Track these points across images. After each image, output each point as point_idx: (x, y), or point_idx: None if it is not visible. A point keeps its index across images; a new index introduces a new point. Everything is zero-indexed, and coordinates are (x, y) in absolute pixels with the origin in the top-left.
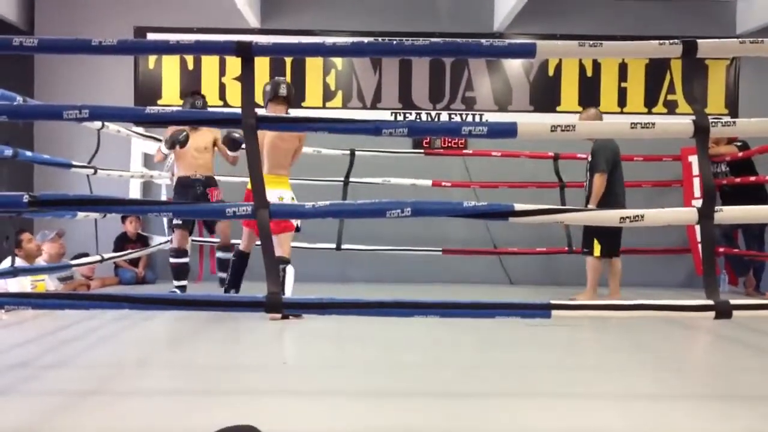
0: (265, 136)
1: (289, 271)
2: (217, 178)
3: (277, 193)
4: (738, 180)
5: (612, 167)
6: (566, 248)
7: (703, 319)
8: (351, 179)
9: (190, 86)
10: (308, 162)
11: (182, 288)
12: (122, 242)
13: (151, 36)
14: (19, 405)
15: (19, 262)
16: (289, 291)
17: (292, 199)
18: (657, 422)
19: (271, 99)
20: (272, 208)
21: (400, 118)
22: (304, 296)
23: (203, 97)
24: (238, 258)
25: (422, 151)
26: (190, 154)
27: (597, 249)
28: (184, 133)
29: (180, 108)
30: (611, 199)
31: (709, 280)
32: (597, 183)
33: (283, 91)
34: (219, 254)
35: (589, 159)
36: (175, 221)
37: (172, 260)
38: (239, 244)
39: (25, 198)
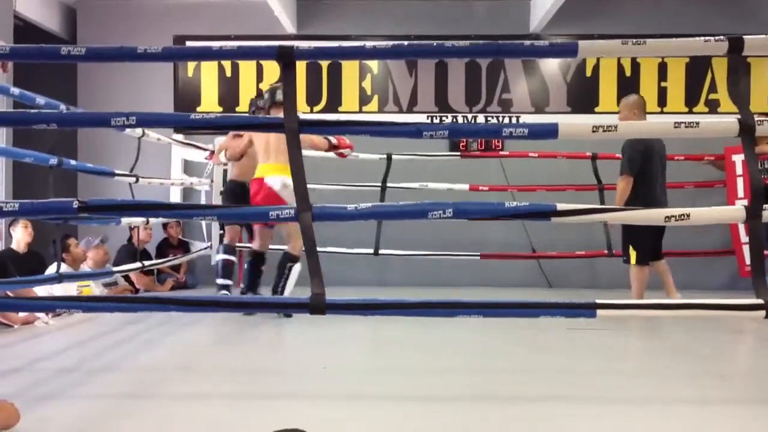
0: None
1: (295, 270)
2: None
3: (281, 179)
4: None
5: (644, 166)
6: (606, 251)
7: (747, 323)
8: (388, 184)
9: (229, 92)
10: (346, 167)
11: (226, 287)
12: (164, 248)
13: (190, 44)
14: (69, 409)
15: (66, 267)
16: (288, 291)
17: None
18: (702, 428)
19: (272, 105)
20: (315, 210)
21: (436, 121)
22: (348, 297)
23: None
24: (253, 258)
25: (459, 154)
26: (255, 159)
27: (633, 257)
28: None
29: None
30: (646, 201)
31: (758, 278)
32: (620, 186)
33: (281, 96)
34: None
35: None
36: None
37: (223, 256)
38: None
39: (75, 204)
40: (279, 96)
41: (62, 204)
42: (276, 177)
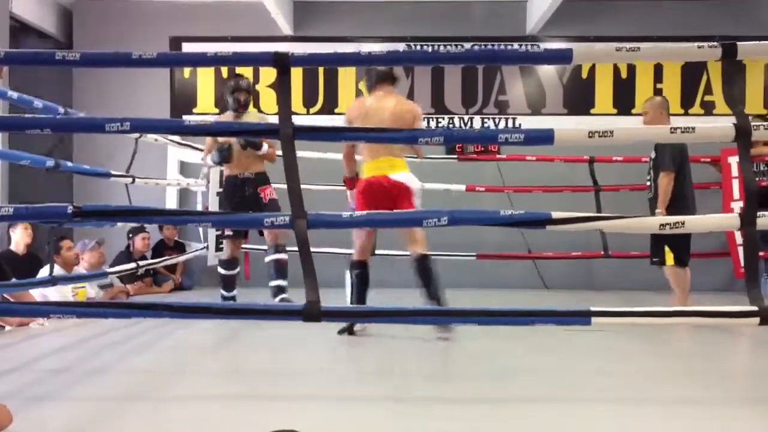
0: (382, 114)
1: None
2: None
3: (404, 176)
4: None
5: (681, 165)
6: (602, 252)
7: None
8: None
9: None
10: (336, 168)
11: (232, 299)
12: (160, 249)
13: (186, 45)
14: (63, 410)
15: (58, 270)
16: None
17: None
18: (701, 429)
19: (377, 83)
20: (310, 217)
21: (432, 123)
22: (342, 305)
23: (245, 78)
24: (356, 268)
25: (455, 156)
26: (242, 151)
27: (669, 257)
28: (227, 147)
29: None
30: (680, 201)
31: (753, 285)
32: (663, 182)
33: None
34: (270, 257)
35: (653, 156)
36: (227, 232)
37: (221, 271)
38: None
39: (69, 209)
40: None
41: (57, 209)
42: (402, 173)
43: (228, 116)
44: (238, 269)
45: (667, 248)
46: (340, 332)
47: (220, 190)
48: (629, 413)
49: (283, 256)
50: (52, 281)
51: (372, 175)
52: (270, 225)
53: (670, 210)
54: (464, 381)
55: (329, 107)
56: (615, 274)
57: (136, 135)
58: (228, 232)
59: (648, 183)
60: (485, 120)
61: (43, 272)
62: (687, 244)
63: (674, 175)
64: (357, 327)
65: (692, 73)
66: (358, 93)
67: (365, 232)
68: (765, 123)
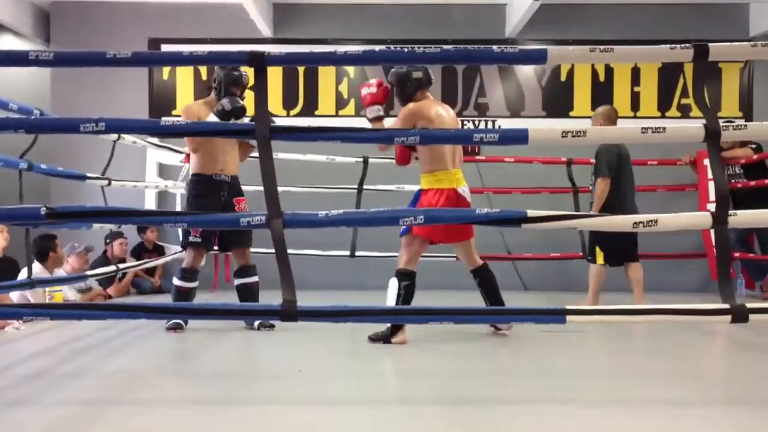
0: (444, 123)
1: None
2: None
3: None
4: (753, 183)
5: (618, 171)
6: (581, 253)
7: (720, 324)
8: (365, 187)
9: (204, 96)
10: (321, 170)
11: (178, 326)
12: (139, 252)
13: (165, 47)
14: (38, 415)
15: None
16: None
17: None
18: (675, 429)
19: (416, 91)
20: (286, 217)
21: None
22: (319, 304)
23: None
24: (404, 278)
25: None
26: (220, 148)
27: (600, 256)
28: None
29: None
30: (617, 206)
31: (725, 283)
32: (600, 188)
33: (419, 74)
34: (239, 281)
35: (595, 162)
36: (192, 238)
37: (177, 282)
38: (407, 267)
39: (43, 210)
40: (419, 73)
41: (30, 210)
42: (466, 187)
43: (210, 101)
44: (197, 283)
45: (598, 248)
46: (372, 341)
47: (184, 192)
48: (601, 413)
49: (253, 279)
50: (30, 284)
51: (442, 187)
52: (246, 225)
53: (606, 212)
54: (441, 381)
55: (309, 109)
56: None
57: (114, 137)
58: (193, 238)
59: (591, 187)
60: (465, 122)
61: (23, 274)
62: (617, 246)
63: (610, 180)
64: (396, 339)
65: (669, 76)
66: (339, 95)
67: (419, 240)
68: (734, 123)
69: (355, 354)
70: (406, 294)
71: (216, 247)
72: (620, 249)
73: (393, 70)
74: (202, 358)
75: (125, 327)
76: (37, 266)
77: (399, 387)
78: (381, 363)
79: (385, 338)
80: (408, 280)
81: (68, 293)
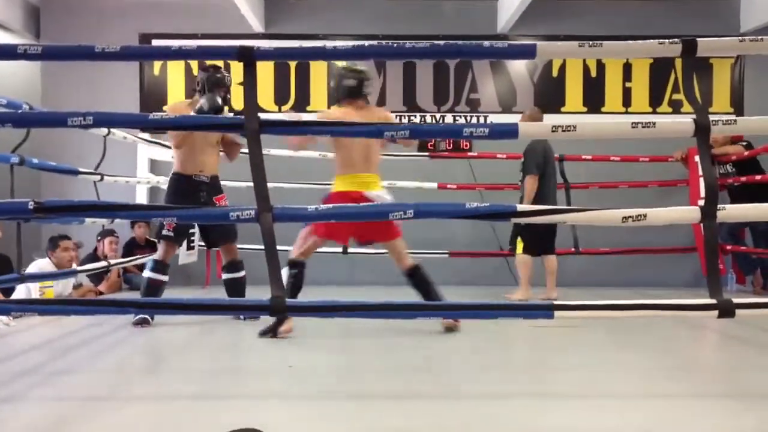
0: (343, 139)
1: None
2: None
3: (384, 194)
4: (744, 179)
5: (543, 168)
6: (572, 249)
7: (710, 319)
8: None
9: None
10: (313, 166)
11: (144, 321)
12: (131, 248)
13: (156, 42)
14: (29, 411)
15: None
16: None
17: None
18: (664, 422)
19: (346, 98)
20: (276, 211)
21: (404, 120)
22: (309, 299)
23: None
24: (293, 267)
25: (427, 154)
26: (200, 148)
27: (520, 246)
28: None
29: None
30: (542, 201)
31: (713, 279)
32: (529, 184)
33: (351, 82)
34: (226, 276)
35: (522, 161)
36: (165, 232)
37: (150, 274)
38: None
39: (31, 204)
40: (351, 82)
41: (17, 205)
42: (381, 192)
43: (195, 102)
44: (167, 278)
45: (519, 239)
46: (262, 334)
47: (164, 187)
48: (592, 406)
49: (241, 274)
50: (21, 279)
51: (347, 189)
52: (236, 219)
53: None
54: (431, 377)
55: (301, 105)
56: (585, 270)
57: (104, 132)
58: (166, 232)
59: (519, 184)
60: (457, 118)
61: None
62: (537, 237)
63: (538, 177)
64: (283, 328)
65: (661, 72)
66: (330, 90)
67: (315, 237)
68: (723, 118)
69: (343, 348)
70: (294, 283)
71: (202, 243)
72: (539, 240)
73: (338, 65)
74: (193, 353)
75: (116, 323)
76: (43, 261)
77: (390, 382)
78: (371, 357)
79: (273, 330)
80: (296, 269)
81: (62, 290)
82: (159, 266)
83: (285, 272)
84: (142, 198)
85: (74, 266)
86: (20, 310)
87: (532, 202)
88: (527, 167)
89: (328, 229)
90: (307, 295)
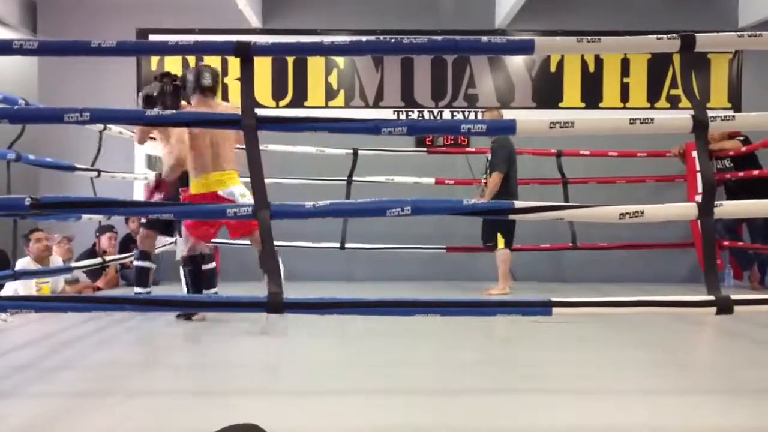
0: (206, 132)
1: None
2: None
3: (239, 189)
4: (741, 174)
5: (509, 165)
6: (570, 244)
7: (707, 315)
8: (354, 178)
9: None
10: (312, 162)
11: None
12: (127, 243)
13: (153, 38)
14: (25, 406)
15: (30, 264)
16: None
17: (243, 196)
18: (661, 417)
19: (195, 91)
20: (273, 208)
21: (402, 116)
22: (305, 296)
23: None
24: (187, 264)
25: (425, 149)
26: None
27: (501, 242)
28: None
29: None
30: (506, 196)
31: (710, 275)
32: (495, 180)
33: (207, 81)
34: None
35: (489, 157)
36: (143, 219)
37: (136, 263)
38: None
39: (27, 201)
40: (207, 80)
41: (13, 201)
42: (235, 187)
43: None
44: (154, 266)
45: (499, 234)
46: (178, 317)
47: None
48: (589, 402)
49: (211, 265)
50: (14, 276)
51: (200, 192)
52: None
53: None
54: (426, 372)
55: (299, 100)
56: (583, 265)
57: (100, 128)
58: (142, 220)
59: (484, 180)
60: (455, 113)
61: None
62: (513, 232)
63: (504, 174)
64: (196, 316)
65: (658, 68)
66: (328, 86)
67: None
68: (722, 114)
69: (342, 343)
70: (192, 278)
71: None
72: (512, 234)
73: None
74: (188, 348)
75: (112, 319)
76: (24, 260)
77: (385, 377)
78: (366, 352)
79: (186, 314)
80: (190, 265)
81: (58, 285)
82: (141, 255)
83: (182, 272)
84: (139, 194)
85: (69, 261)
86: (17, 307)
87: (496, 197)
88: (496, 164)
89: (198, 231)
90: (304, 290)
